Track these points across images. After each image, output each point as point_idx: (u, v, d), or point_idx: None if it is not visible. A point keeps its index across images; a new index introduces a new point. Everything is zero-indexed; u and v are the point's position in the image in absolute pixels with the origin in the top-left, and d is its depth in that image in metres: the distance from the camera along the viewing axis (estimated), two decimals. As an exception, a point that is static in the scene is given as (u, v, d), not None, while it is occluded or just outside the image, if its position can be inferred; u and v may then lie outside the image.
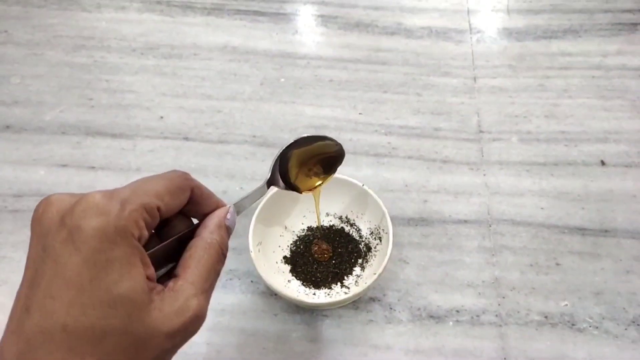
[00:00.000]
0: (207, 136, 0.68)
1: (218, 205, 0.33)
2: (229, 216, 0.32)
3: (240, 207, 0.35)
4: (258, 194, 0.38)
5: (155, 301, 0.25)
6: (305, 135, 0.42)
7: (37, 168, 0.65)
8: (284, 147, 0.41)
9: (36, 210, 0.26)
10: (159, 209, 0.27)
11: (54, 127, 0.69)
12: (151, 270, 0.26)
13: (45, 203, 0.26)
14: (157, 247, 0.29)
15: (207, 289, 0.28)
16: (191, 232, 0.31)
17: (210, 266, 0.29)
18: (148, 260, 0.26)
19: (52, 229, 0.24)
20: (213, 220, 0.31)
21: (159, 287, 0.26)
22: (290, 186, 0.43)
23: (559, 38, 0.78)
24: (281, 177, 0.42)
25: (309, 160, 0.44)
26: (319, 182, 0.46)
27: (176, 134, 0.68)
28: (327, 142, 0.44)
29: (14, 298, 0.25)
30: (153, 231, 0.29)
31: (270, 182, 0.40)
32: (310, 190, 0.45)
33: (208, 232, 0.30)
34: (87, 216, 0.24)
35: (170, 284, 0.27)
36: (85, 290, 0.23)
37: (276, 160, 0.41)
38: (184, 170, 0.31)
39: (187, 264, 0.28)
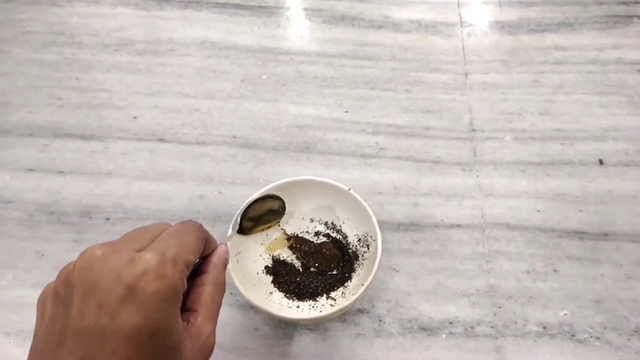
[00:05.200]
0: (184, 137, 0.64)
1: (214, 245, 0.37)
2: (227, 256, 0.37)
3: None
4: (230, 238, 0.45)
5: (186, 341, 0.30)
6: (257, 196, 0.50)
7: (1, 173, 0.61)
8: (244, 207, 0.49)
9: (81, 266, 0.28)
10: (193, 263, 0.32)
11: (20, 129, 0.65)
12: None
13: (89, 258, 0.28)
14: None
15: (216, 322, 0.33)
16: (197, 265, 0.35)
17: (220, 303, 0.33)
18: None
19: (106, 285, 0.27)
20: (220, 260, 0.36)
21: (184, 323, 0.30)
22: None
23: (552, 31, 0.75)
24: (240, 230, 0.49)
25: (260, 215, 0.51)
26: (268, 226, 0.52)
27: (151, 135, 0.64)
28: (274, 200, 0.51)
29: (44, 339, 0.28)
30: None
31: (238, 231, 0.48)
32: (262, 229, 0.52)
33: (217, 271, 0.34)
34: (147, 279, 0.27)
35: (192, 319, 0.31)
36: (144, 346, 0.27)
37: (239, 215, 0.48)
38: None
39: (202, 300, 0.32)
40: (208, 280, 0.33)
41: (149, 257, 0.28)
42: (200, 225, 0.35)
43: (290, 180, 0.52)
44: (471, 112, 0.66)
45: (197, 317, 0.31)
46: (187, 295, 0.32)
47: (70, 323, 0.26)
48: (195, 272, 0.35)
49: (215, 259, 0.35)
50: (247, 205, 0.49)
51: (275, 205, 0.51)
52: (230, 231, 0.47)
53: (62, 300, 0.28)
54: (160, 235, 0.31)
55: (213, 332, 0.32)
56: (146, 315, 0.27)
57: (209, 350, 0.31)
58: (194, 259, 0.32)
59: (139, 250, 0.29)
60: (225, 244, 0.37)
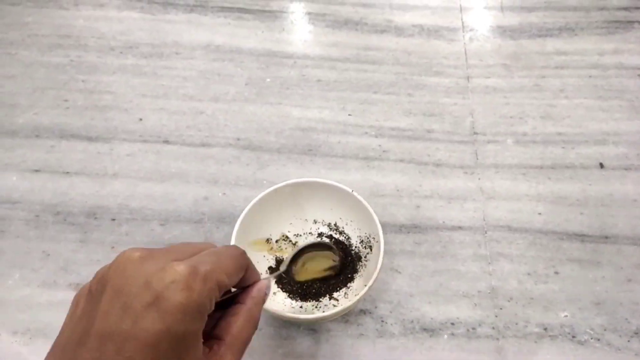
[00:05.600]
0: (189, 139, 0.64)
1: (256, 278, 0.35)
2: (267, 291, 0.35)
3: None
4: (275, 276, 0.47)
5: None
6: (317, 241, 0.51)
7: (8, 173, 0.61)
8: (295, 250, 0.50)
9: (117, 265, 0.28)
10: (225, 286, 0.30)
11: (27, 130, 0.65)
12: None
13: (126, 259, 0.28)
14: None
15: (241, 357, 0.31)
16: (233, 295, 0.34)
17: (249, 338, 0.32)
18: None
19: (134, 289, 0.26)
20: (259, 294, 0.34)
21: (206, 349, 0.30)
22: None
23: (554, 36, 0.75)
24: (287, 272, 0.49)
25: (310, 264, 0.51)
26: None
27: (156, 137, 0.65)
28: (331, 252, 0.51)
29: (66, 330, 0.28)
30: None
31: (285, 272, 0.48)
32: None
33: (253, 304, 0.33)
34: (174, 288, 0.26)
35: (215, 347, 0.30)
36: (161, 357, 0.26)
37: (289, 257, 0.49)
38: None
39: (231, 330, 0.31)
40: (242, 311, 0.32)
41: (181, 268, 0.27)
42: (243, 252, 0.34)
43: (293, 182, 0.52)
44: (473, 115, 0.66)
45: (221, 346, 0.30)
46: (217, 322, 0.32)
47: (94, 322, 0.26)
48: (232, 301, 0.34)
49: (254, 292, 0.34)
50: (299, 249, 0.50)
51: (329, 261, 0.51)
52: (277, 270, 0.48)
53: (93, 297, 0.28)
54: (201, 252, 0.31)
55: None
56: (168, 325, 0.26)
57: None
58: (227, 281, 0.30)
59: (175, 261, 0.29)
60: (268, 280, 0.36)
